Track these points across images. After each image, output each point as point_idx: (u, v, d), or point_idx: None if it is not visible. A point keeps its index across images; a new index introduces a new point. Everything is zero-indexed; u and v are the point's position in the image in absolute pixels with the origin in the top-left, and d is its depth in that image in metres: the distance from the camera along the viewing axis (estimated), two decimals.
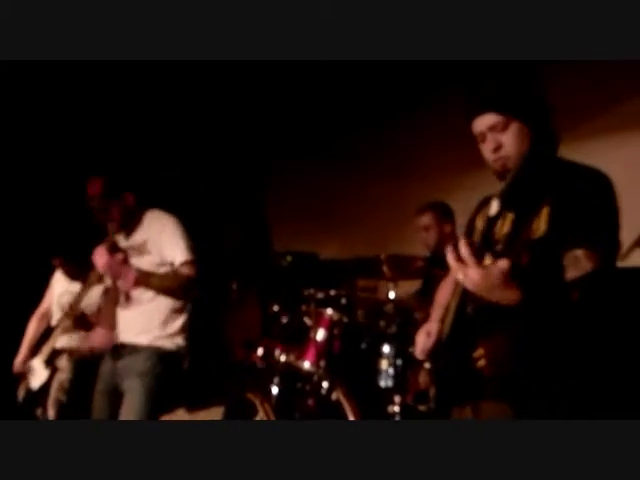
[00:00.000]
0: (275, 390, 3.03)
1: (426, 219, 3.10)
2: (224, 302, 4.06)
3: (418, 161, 3.59)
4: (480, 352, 1.37)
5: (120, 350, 2.54)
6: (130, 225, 2.57)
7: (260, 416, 2.85)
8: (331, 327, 3.01)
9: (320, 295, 3.00)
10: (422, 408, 2.70)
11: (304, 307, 3.08)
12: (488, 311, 1.38)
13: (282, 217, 4.18)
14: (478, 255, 1.31)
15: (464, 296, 1.41)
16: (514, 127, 1.47)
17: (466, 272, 1.30)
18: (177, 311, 2.51)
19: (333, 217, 3.93)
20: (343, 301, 3.08)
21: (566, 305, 1.31)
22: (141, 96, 3.75)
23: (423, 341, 1.59)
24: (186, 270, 2.44)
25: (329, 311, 3.03)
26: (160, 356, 2.45)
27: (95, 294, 3.05)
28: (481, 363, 1.37)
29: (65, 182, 3.27)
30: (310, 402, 2.95)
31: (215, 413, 3.43)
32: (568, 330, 1.35)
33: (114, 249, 2.42)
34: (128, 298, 2.52)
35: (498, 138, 1.48)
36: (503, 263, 1.28)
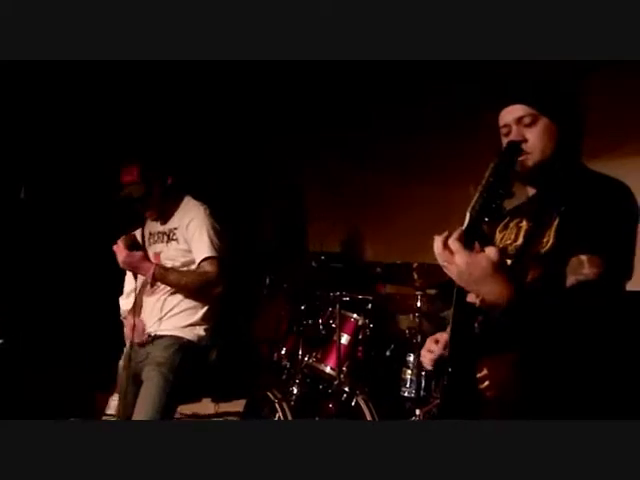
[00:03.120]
0: (296, 390, 3.02)
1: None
2: (255, 297, 4.08)
3: (460, 167, 3.49)
4: (484, 373, 1.31)
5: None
6: (167, 211, 2.57)
7: (278, 416, 2.84)
8: (356, 332, 2.98)
9: (346, 298, 2.97)
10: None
11: (330, 309, 3.05)
12: (495, 328, 1.30)
13: (319, 218, 4.16)
14: (468, 245, 1.19)
15: (465, 307, 1.31)
16: (542, 123, 1.41)
17: (450, 259, 1.19)
18: (199, 302, 2.50)
19: (369, 221, 3.88)
20: (369, 306, 3.04)
21: (565, 314, 1.24)
22: (181, 94, 3.81)
23: (429, 349, 1.53)
24: (207, 267, 2.44)
25: (355, 315, 3.00)
26: (180, 346, 2.43)
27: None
28: (484, 385, 1.31)
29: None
30: (330, 406, 2.93)
31: (238, 406, 3.45)
32: (577, 354, 1.27)
33: (133, 245, 2.42)
34: (153, 285, 2.53)
35: (523, 132, 1.41)
36: (491, 251, 1.18)
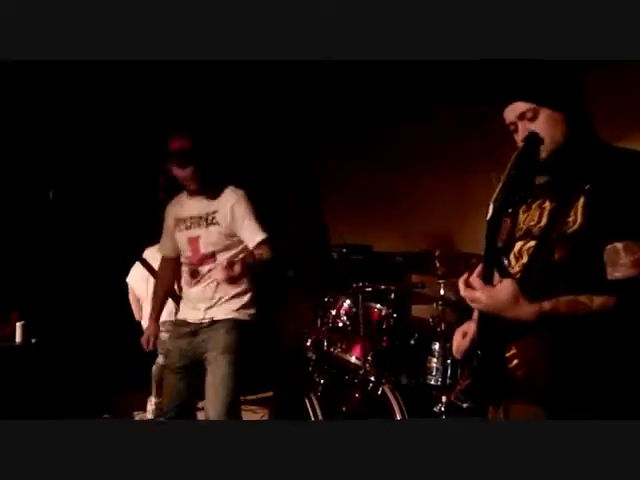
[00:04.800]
0: (322, 381, 3.06)
1: None
2: (280, 289, 4.12)
3: (480, 159, 3.49)
4: (513, 352, 1.34)
5: (194, 326, 2.52)
6: (207, 191, 2.49)
7: (305, 407, 2.88)
8: (380, 321, 3.01)
9: (369, 289, 2.99)
10: (463, 405, 2.67)
11: (354, 300, 3.08)
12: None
13: (340, 210, 4.18)
14: (487, 279, 1.31)
15: None
16: (544, 115, 1.41)
17: (473, 296, 1.32)
18: (248, 285, 2.51)
19: (390, 211, 3.89)
20: (392, 296, 3.06)
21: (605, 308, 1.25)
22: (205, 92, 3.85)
23: (459, 340, 1.56)
24: (264, 250, 2.43)
25: (378, 305, 3.02)
26: (240, 328, 2.46)
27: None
28: (513, 364, 1.33)
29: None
30: (356, 395, 2.95)
31: (265, 398, 3.51)
32: (605, 332, 1.28)
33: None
34: (195, 274, 2.52)
35: (528, 127, 1.42)
36: (508, 282, 1.29)
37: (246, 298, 2.51)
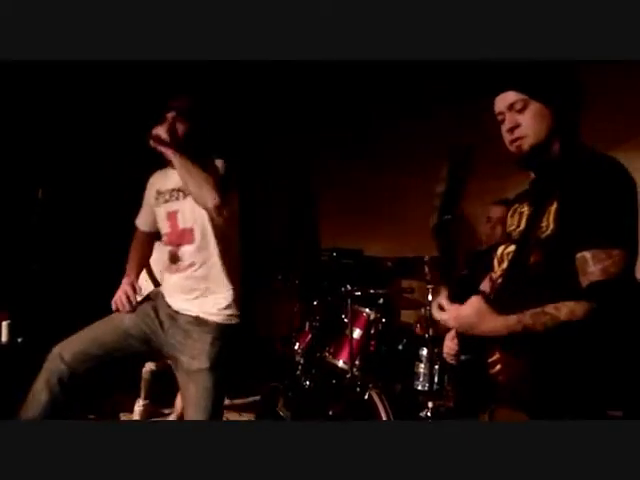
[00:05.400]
0: (309, 385, 3.05)
1: (499, 211, 2.99)
2: (267, 292, 4.11)
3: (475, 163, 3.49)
4: (496, 357, 1.33)
5: (171, 311, 2.31)
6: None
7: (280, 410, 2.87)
8: (368, 326, 3.00)
9: (358, 293, 2.99)
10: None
11: (342, 304, 3.07)
12: None
13: (330, 214, 4.19)
14: (455, 295, 1.34)
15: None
16: (533, 107, 1.40)
17: (442, 317, 1.37)
18: (227, 284, 2.30)
19: (380, 216, 3.90)
20: (381, 300, 3.06)
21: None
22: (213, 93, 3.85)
23: (449, 345, 1.56)
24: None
25: (366, 310, 3.02)
26: (224, 336, 2.25)
27: None
28: (496, 369, 1.33)
29: None
30: (343, 399, 2.95)
31: (252, 402, 3.50)
32: (581, 337, 1.28)
33: None
34: (175, 259, 2.31)
35: (515, 118, 1.42)
36: (473, 300, 1.31)
37: (231, 295, 2.29)
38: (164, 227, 2.37)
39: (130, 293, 2.36)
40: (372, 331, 3.00)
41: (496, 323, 1.30)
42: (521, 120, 1.41)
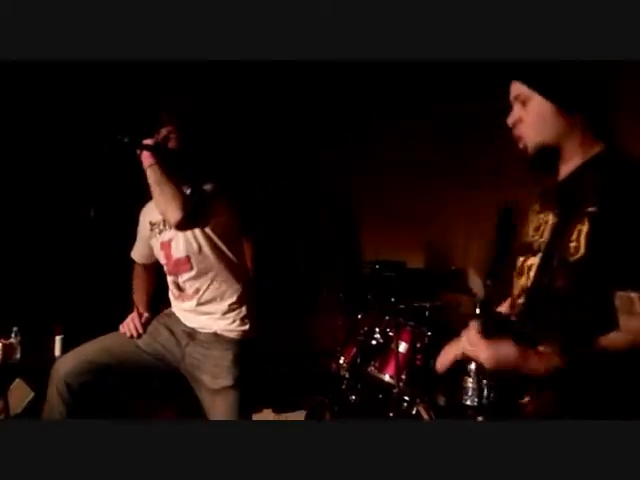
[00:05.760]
0: (355, 400, 3.03)
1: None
2: (313, 308, 4.12)
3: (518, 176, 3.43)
4: (527, 400, 1.28)
5: (189, 329, 2.37)
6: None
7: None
8: (413, 340, 2.97)
9: (402, 306, 2.97)
10: None
11: (387, 318, 3.05)
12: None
13: (374, 226, 4.17)
14: (489, 331, 1.25)
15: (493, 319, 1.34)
16: (535, 103, 1.30)
17: (476, 353, 1.27)
18: (238, 301, 2.35)
19: (425, 228, 3.86)
20: (427, 314, 3.02)
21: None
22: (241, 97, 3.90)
23: (444, 357, 1.51)
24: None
25: (411, 323, 2.99)
26: (243, 351, 2.31)
27: None
28: (525, 400, 1.27)
29: None
30: (390, 414, 2.92)
31: (299, 417, 3.49)
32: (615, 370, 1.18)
33: None
34: (181, 288, 2.35)
35: (519, 112, 1.33)
36: (504, 345, 1.21)
37: (246, 310, 2.34)
38: (161, 258, 2.40)
39: (136, 322, 2.43)
40: (418, 345, 2.96)
41: (536, 362, 1.19)
42: (524, 116, 1.33)
